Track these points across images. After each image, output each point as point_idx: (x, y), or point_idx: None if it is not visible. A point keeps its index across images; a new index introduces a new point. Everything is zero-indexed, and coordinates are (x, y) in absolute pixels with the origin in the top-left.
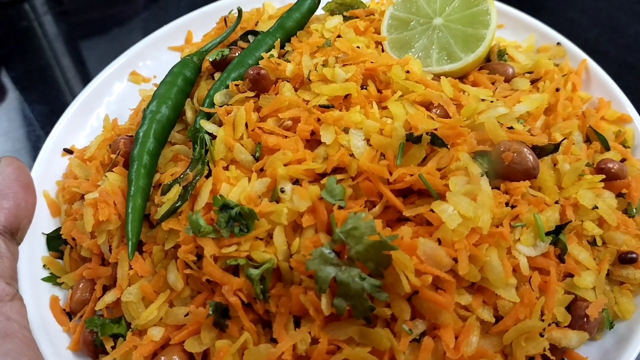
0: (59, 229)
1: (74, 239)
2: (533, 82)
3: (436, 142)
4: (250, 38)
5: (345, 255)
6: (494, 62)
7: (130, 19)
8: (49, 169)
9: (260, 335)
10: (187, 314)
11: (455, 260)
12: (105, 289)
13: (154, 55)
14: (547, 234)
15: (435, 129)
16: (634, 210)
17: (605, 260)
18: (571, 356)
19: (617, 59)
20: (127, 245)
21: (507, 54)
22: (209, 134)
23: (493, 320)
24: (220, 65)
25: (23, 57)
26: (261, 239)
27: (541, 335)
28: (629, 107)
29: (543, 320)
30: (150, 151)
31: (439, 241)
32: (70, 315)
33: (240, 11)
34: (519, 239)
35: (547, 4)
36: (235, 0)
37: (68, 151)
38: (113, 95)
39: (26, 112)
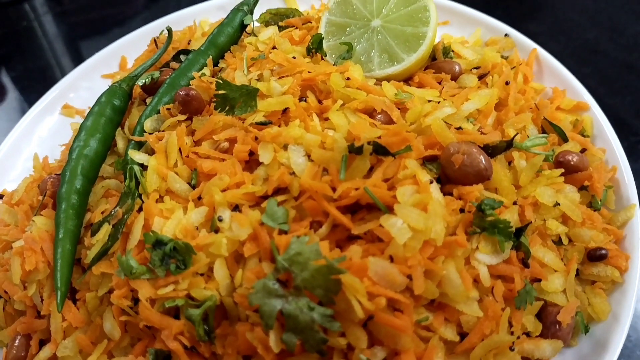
0: None
1: (6, 292)
2: (481, 77)
3: (379, 151)
4: (183, 58)
5: (292, 284)
6: (439, 61)
7: (131, 19)
8: None
9: None
10: None
11: (410, 277)
12: (43, 344)
13: (87, 86)
14: None
15: (379, 137)
16: (599, 202)
17: (573, 259)
18: None
19: (617, 59)
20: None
21: (452, 50)
22: (140, 164)
23: (457, 338)
24: (152, 89)
25: (23, 57)
26: (201, 275)
27: (511, 349)
28: (585, 95)
29: (512, 333)
30: (78, 190)
31: (391, 259)
32: None
33: (170, 31)
34: (477, 247)
35: (547, 4)
36: (177, 18)
37: None
38: (45, 131)
39: (26, 112)
